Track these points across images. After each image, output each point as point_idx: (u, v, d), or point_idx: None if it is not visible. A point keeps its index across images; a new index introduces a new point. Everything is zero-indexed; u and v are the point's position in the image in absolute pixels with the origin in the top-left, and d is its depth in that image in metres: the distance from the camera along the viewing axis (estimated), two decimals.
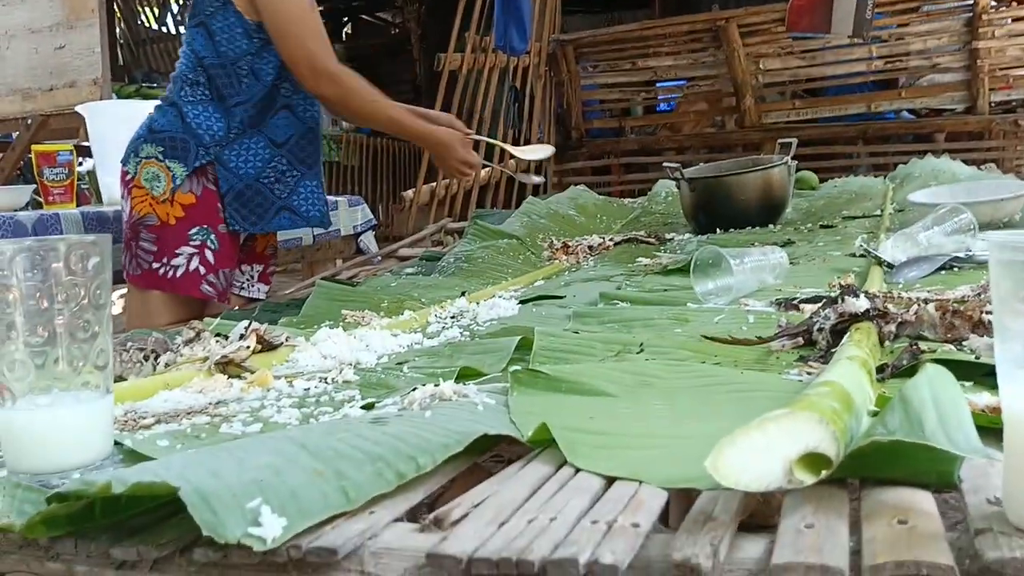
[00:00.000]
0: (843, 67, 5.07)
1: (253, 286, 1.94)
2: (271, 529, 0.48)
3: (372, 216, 3.22)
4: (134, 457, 0.69)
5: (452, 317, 1.33)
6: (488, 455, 0.69)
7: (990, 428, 0.57)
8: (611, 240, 2.01)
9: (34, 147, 2.24)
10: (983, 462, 0.53)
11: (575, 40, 5.58)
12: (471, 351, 1.03)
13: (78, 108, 2.39)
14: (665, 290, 1.40)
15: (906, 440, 0.48)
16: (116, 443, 0.72)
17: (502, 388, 0.82)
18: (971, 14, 4.71)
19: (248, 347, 1.02)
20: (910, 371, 0.77)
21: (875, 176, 2.85)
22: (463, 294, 1.48)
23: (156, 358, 1.05)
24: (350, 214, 3.06)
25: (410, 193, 4.69)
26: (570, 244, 2.01)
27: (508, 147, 1.90)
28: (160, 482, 0.50)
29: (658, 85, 5.68)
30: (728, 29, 5.05)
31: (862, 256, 1.50)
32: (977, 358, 0.78)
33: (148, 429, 0.78)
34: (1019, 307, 0.47)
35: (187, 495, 0.49)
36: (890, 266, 1.36)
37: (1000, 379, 0.48)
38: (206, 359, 1.00)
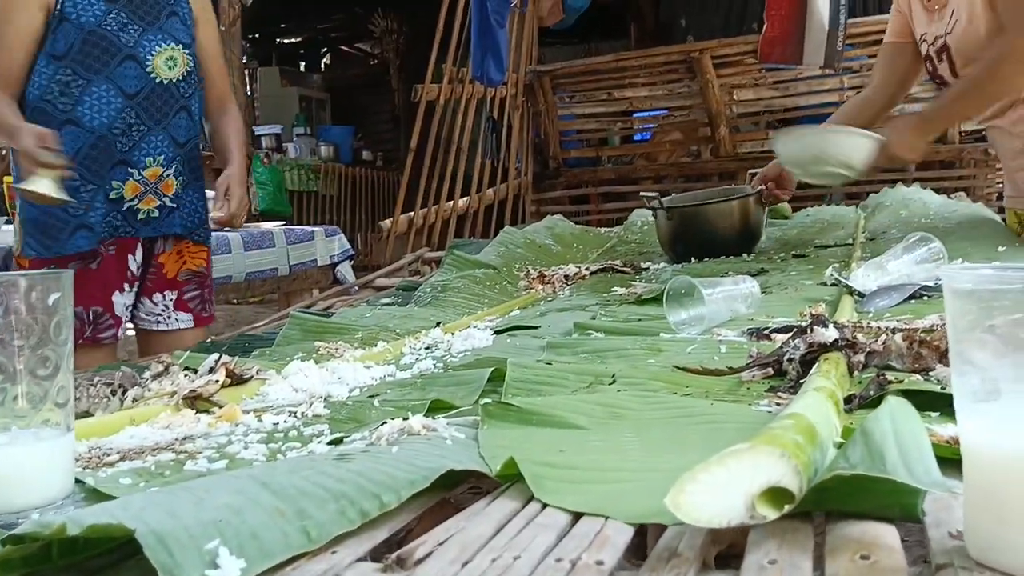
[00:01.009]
0: (815, 97, 5.15)
1: (170, 316, 1.91)
2: (229, 571, 0.47)
3: (349, 246, 3.22)
4: (96, 496, 0.68)
5: (426, 348, 1.33)
6: (465, 487, 0.69)
7: (955, 460, 0.57)
8: (587, 269, 2.02)
9: (6, 179, 2.22)
10: (947, 495, 0.53)
11: (552, 71, 5.64)
12: (443, 383, 1.03)
13: None
14: (639, 320, 1.41)
15: (867, 474, 0.48)
16: (78, 481, 0.71)
17: (473, 421, 0.81)
18: None
19: (217, 381, 1.01)
20: (877, 401, 0.77)
21: (847, 205, 2.88)
22: (438, 324, 1.48)
23: (123, 393, 1.03)
24: (327, 244, 3.06)
25: (388, 223, 4.69)
26: (546, 273, 2.01)
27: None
28: (116, 523, 0.49)
29: (634, 115, 5.74)
30: (702, 60, 5.12)
31: (833, 285, 1.51)
32: (943, 388, 0.79)
33: (112, 466, 0.77)
34: (978, 341, 0.47)
35: (143, 536, 0.48)
36: (861, 295, 1.38)
37: (958, 413, 0.48)
38: (174, 394, 0.99)
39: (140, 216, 1.83)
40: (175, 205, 1.86)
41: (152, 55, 1.80)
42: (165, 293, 1.89)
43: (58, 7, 1.75)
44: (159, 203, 1.84)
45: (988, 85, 1.73)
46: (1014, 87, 1.73)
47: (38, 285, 0.66)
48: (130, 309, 1.88)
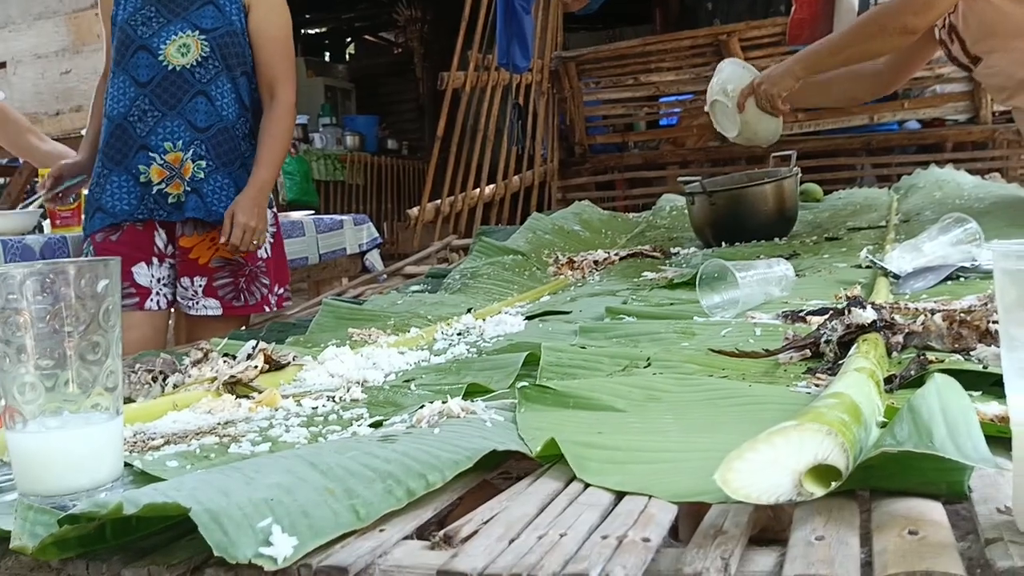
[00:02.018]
0: None
1: (199, 302, 1.94)
2: (282, 548, 0.48)
3: (377, 234, 3.23)
4: (144, 478, 0.69)
5: (459, 334, 1.33)
6: (496, 472, 0.69)
7: (999, 438, 0.57)
8: (616, 255, 2.02)
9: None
10: (993, 472, 0.52)
11: (577, 57, 5.62)
12: (478, 367, 1.03)
13: (84, 132, 2.42)
14: (671, 304, 1.40)
15: (915, 451, 0.48)
16: (126, 464, 0.72)
17: (510, 404, 0.82)
18: None
19: (256, 367, 1.02)
20: (918, 382, 0.77)
21: (879, 187, 2.85)
22: (469, 311, 1.48)
23: (164, 379, 1.05)
24: (355, 233, 3.08)
25: (415, 211, 4.70)
26: (575, 259, 2.01)
27: None
28: (171, 502, 0.50)
29: (660, 100, 5.70)
30: (730, 43, 5.08)
31: (868, 267, 1.50)
32: (985, 368, 0.78)
33: (157, 450, 0.78)
34: (1018, 320, 0.47)
35: (198, 515, 0.49)
36: (896, 277, 1.36)
37: (1008, 389, 0.48)
38: (214, 379, 1.00)
39: (171, 200, 1.90)
40: (191, 189, 1.89)
41: (165, 44, 1.87)
42: (195, 279, 1.93)
43: (113, 14, 1.93)
44: (184, 188, 1.90)
45: (851, 44, 1.87)
46: (873, 50, 1.85)
47: (87, 272, 0.67)
48: (164, 284, 1.94)
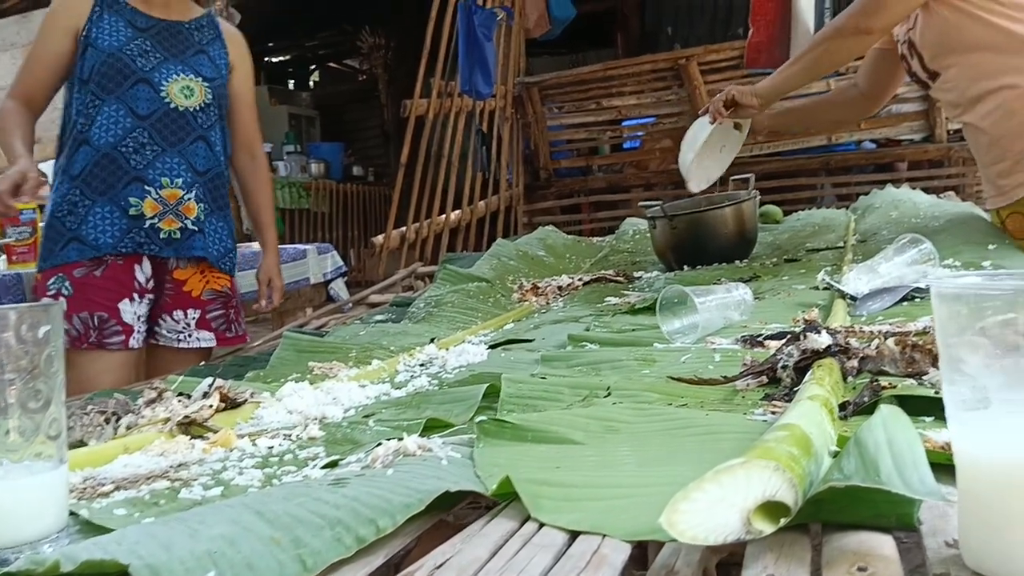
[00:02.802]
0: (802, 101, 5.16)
1: (192, 335, 1.92)
2: None
3: (342, 263, 3.22)
4: (91, 528, 0.68)
5: (421, 365, 1.32)
6: (464, 503, 0.68)
7: (950, 466, 0.57)
8: (580, 280, 2.02)
9: None
10: (943, 503, 0.53)
11: (540, 82, 5.65)
12: (439, 401, 1.03)
13: (42, 166, 2.38)
14: (633, 330, 1.41)
15: (862, 485, 0.48)
16: (72, 513, 0.70)
17: (468, 440, 0.81)
18: None
19: (211, 406, 1.00)
20: (871, 408, 0.77)
21: (839, 207, 2.89)
22: (432, 340, 1.47)
23: (117, 420, 1.03)
24: (319, 262, 3.06)
25: (380, 238, 4.69)
26: (539, 285, 2.01)
27: None
28: (110, 559, 0.49)
29: (623, 124, 5.75)
30: (689, 67, 5.14)
31: (826, 289, 1.51)
32: (937, 393, 0.79)
33: (106, 497, 0.76)
34: (969, 344, 0.47)
35: (138, 571, 0.47)
36: (853, 298, 1.38)
37: (949, 422, 0.48)
38: (168, 420, 0.98)
39: (162, 235, 1.86)
40: (197, 229, 1.89)
41: (167, 81, 1.85)
42: (188, 311, 1.91)
43: (84, 34, 1.84)
44: (181, 225, 1.87)
45: (809, 51, 1.90)
46: (831, 52, 1.86)
47: (28, 318, 0.65)
48: (143, 321, 1.89)
